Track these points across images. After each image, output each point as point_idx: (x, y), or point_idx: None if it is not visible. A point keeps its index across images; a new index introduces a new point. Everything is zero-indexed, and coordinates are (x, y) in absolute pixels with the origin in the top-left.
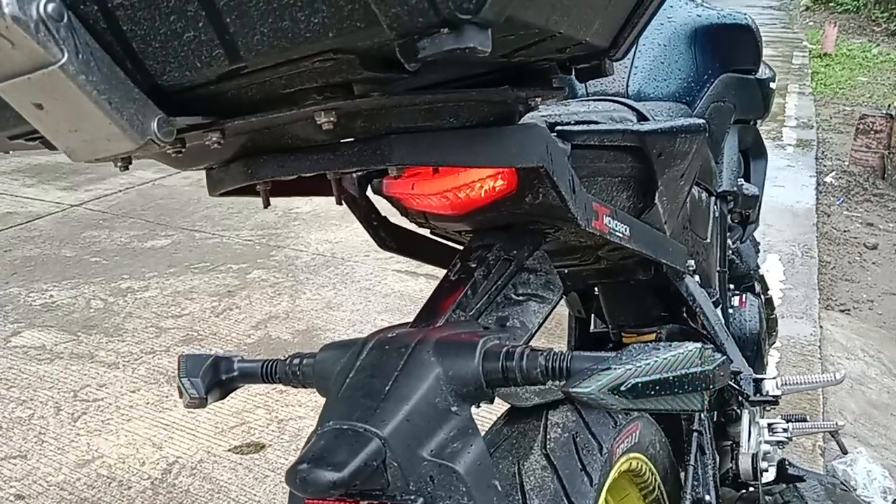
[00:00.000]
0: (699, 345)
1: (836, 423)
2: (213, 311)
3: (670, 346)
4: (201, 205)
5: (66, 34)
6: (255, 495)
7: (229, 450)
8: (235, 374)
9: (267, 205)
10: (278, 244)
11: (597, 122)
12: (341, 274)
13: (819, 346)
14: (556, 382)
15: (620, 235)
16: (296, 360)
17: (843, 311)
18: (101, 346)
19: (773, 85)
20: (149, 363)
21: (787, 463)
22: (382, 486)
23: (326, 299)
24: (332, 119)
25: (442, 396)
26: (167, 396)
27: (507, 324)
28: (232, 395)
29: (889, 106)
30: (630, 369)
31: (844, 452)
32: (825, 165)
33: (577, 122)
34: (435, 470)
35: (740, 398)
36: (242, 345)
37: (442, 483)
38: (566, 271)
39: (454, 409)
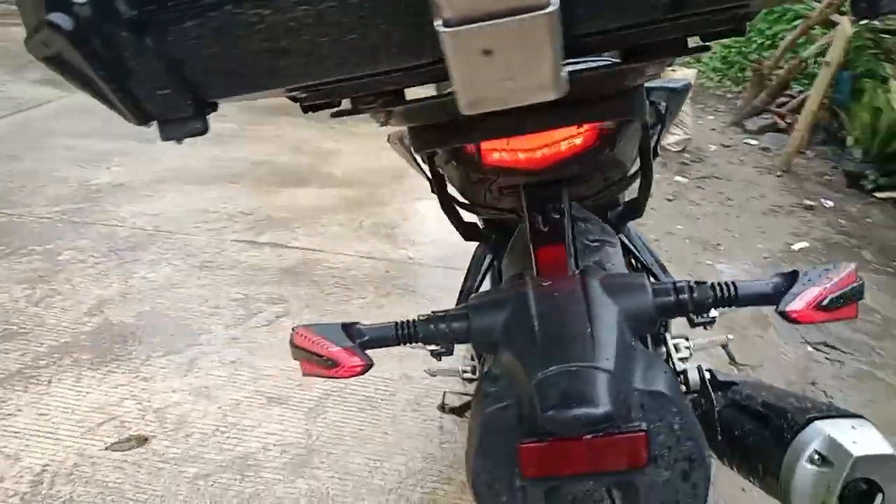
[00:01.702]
0: (853, 264)
1: (727, 336)
2: (28, 299)
3: (833, 267)
4: None
5: None
6: (154, 490)
7: (107, 448)
8: (367, 338)
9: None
10: (85, 220)
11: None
12: (174, 248)
13: None
14: (723, 309)
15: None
16: (440, 321)
17: None
18: None
19: None
20: None
21: (711, 372)
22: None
23: (165, 276)
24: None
25: (626, 331)
26: (3, 401)
27: (607, 266)
28: (81, 389)
29: None
30: (825, 288)
31: (733, 361)
32: None
33: None
34: (646, 397)
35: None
36: (80, 333)
37: (654, 408)
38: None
39: (633, 342)
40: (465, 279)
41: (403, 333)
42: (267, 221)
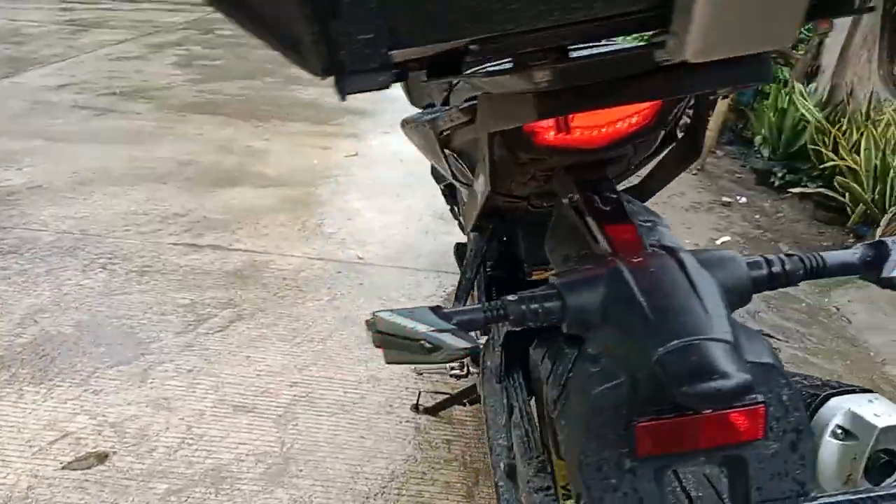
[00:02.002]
0: None
1: None
2: None
3: None
4: None
5: None
6: None
7: (63, 468)
8: (456, 321)
9: None
10: (3, 225)
11: None
12: (106, 253)
13: None
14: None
15: None
16: (531, 301)
17: None
18: None
19: None
20: None
21: None
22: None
23: (101, 282)
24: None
25: (727, 304)
26: None
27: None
28: (25, 405)
29: None
30: None
31: None
32: None
33: None
34: (757, 369)
35: None
36: (15, 346)
37: (765, 380)
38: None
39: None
40: (464, 271)
41: (493, 315)
42: (204, 223)
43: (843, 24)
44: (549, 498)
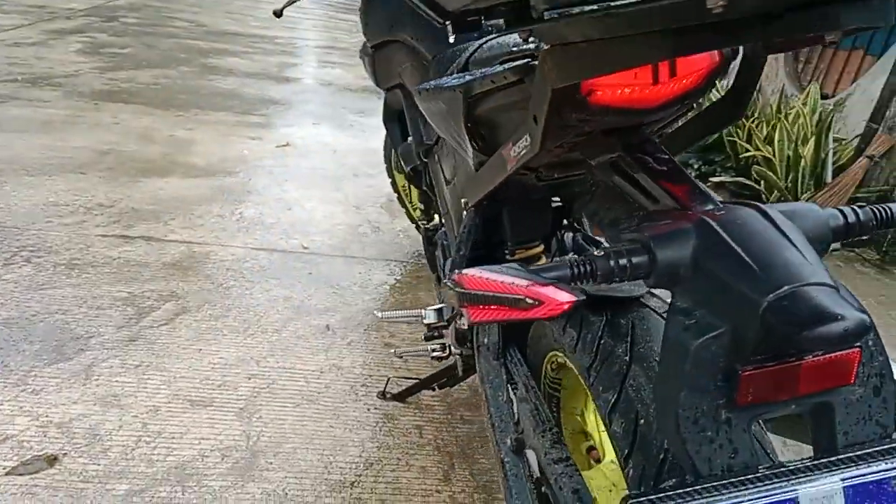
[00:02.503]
0: None
1: None
2: None
3: None
4: None
5: None
6: None
7: (7, 473)
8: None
9: None
10: None
11: None
12: (29, 246)
13: None
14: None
15: None
16: (619, 256)
17: None
18: None
19: None
20: None
21: None
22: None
23: (26, 277)
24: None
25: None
26: None
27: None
28: None
29: None
30: None
31: None
32: None
33: None
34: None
35: None
36: None
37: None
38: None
39: None
40: (459, 246)
41: (581, 271)
42: (132, 214)
43: None
44: (569, 468)
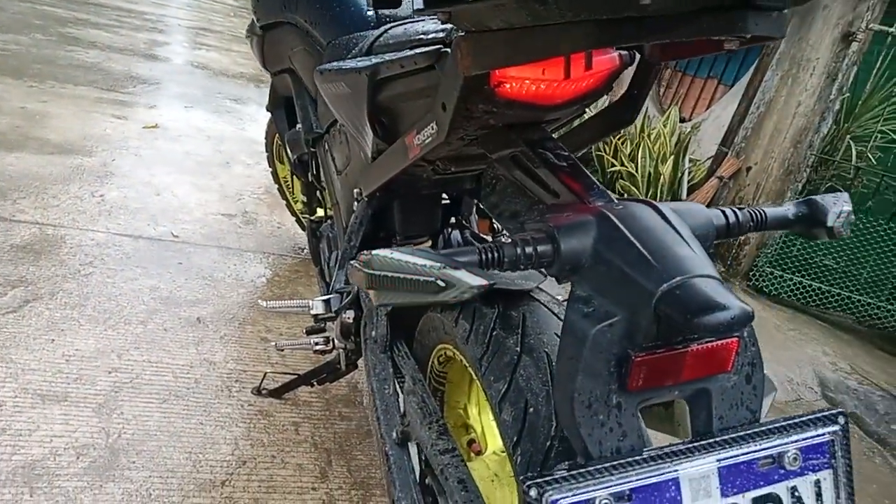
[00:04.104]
0: (846, 193)
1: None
2: None
3: (837, 194)
4: None
5: None
6: None
7: None
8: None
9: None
10: None
11: None
12: None
13: None
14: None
15: None
16: (526, 244)
17: None
18: None
19: None
20: None
21: None
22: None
23: None
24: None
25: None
26: None
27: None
28: None
29: None
30: (843, 209)
31: None
32: None
33: None
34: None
35: None
36: None
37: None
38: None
39: None
40: (350, 237)
41: (488, 258)
42: None
43: None
44: (455, 458)
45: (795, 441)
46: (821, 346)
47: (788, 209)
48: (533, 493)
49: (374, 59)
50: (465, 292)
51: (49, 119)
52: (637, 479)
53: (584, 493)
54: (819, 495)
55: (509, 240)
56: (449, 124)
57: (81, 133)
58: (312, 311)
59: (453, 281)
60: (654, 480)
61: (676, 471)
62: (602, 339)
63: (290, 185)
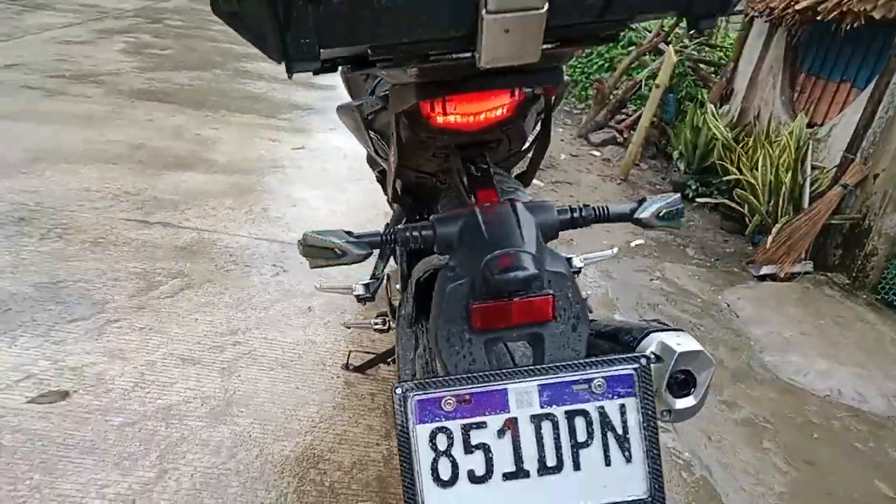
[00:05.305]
0: (678, 194)
1: (613, 250)
2: None
3: (668, 196)
4: None
5: None
6: (83, 436)
7: (29, 402)
8: (359, 240)
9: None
10: None
11: None
12: (61, 224)
13: None
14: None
15: None
16: (414, 230)
17: None
18: None
19: None
20: None
21: None
22: (530, 286)
23: (57, 250)
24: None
25: (542, 237)
26: None
27: (518, 193)
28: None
29: None
30: (661, 206)
31: None
32: None
33: None
34: (552, 275)
35: None
36: None
37: (557, 281)
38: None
39: (546, 245)
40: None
41: (387, 237)
42: (154, 202)
43: (751, 54)
44: None
45: (602, 372)
46: None
47: (626, 205)
48: (398, 391)
49: (361, 101)
50: (355, 258)
51: (218, 143)
52: (475, 389)
53: (434, 393)
54: (623, 415)
55: (403, 227)
56: (396, 145)
57: (242, 155)
58: (354, 293)
59: (346, 251)
60: (488, 390)
61: (506, 385)
62: (456, 293)
63: None
